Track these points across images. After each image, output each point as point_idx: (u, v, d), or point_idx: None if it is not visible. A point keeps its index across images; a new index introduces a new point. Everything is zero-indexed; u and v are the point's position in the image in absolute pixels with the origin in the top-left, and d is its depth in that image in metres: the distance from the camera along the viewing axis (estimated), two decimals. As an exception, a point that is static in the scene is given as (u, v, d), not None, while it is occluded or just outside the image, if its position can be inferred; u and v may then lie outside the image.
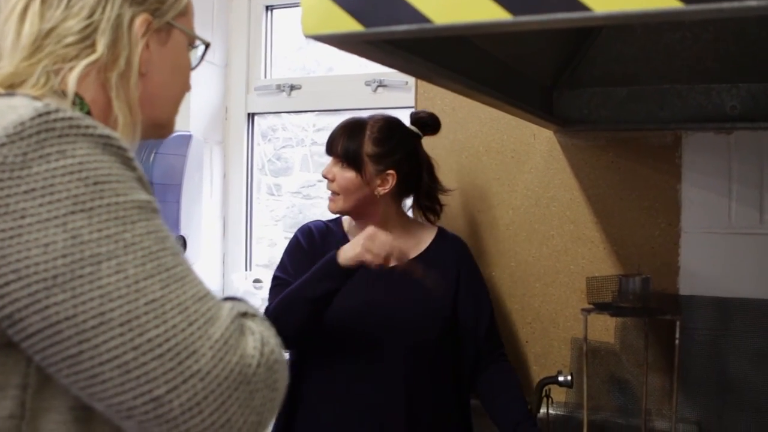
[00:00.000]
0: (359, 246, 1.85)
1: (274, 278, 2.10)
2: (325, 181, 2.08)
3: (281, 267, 2.11)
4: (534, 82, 2.09)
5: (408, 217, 2.20)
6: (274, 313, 1.91)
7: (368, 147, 2.02)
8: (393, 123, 2.09)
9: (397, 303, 2.02)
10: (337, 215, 2.17)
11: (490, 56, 1.66)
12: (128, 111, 0.97)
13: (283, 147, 3.15)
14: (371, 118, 2.08)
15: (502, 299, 2.41)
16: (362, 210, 2.06)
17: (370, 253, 1.84)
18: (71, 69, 0.95)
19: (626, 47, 2.11)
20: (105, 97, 0.97)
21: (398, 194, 2.10)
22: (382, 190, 2.04)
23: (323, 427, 2.01)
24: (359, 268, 1.86)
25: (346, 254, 1.86)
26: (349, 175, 2.02)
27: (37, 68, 0.94)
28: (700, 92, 2.12)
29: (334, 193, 2.05)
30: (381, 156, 2.02)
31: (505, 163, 2.43)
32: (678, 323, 1.76)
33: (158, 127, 1.09)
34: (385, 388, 1.98)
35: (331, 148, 2.06)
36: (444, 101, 2.46)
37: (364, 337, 2.00)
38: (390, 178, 2.03)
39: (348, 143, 2.03)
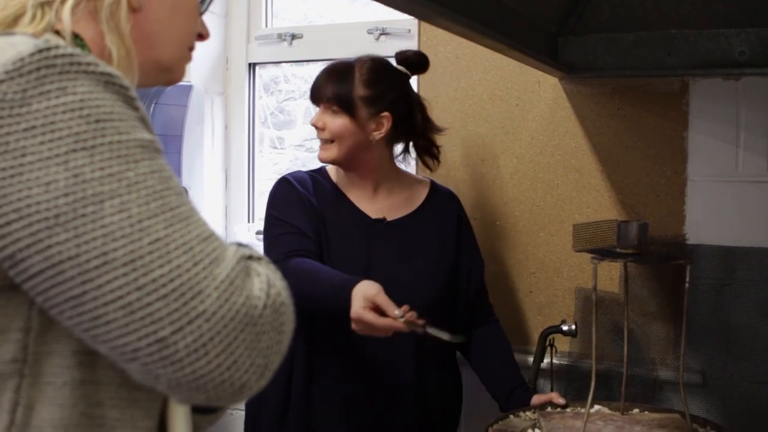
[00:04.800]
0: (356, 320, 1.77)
1: (274, 221, 1.99)
2: None
3: (278, 209, 2.00)
4: (539, 28, 2.06)
5: (400, 168, 2.12)
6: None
7: (359, 89, 1.94)
8: (382, 63, 2.01)
9: (399, 262, 1.98)
10: (322, 165, 2.10)
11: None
12: (121, 43, 0.94)
13: (286, 100, 3.13)
14: (357, 60, 1.99)
15: (505, 249, 2.40)
16: (356, 158, 1.98)
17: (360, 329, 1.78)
18: (63, 2, 0.92)
19: (633, -9, 2.07)
20: (97, 32, 0.94)
21: (392, 139, 2.03)
22: (377, 135, 1.96)
23: (332, 388, 1.97)
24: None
25: (354, 304, 1.76)
26: (341, 121, 1.94)
27: (27, 2, 0.91)
28: (708, 37, 2.08)
29: (326, 141, 1.97)
30: (374, 98, 1.94)
31: (510, 111, 2.40)
32: (688, 268, 1.73)
33: (163, 71, 1.05)
34: (394, 349, 1.92)
35: (319, 96, 1.98)
36: (447, 48, 2.42)
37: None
38: (385, 121, 1.96)
39: (337, 87, 1.94)
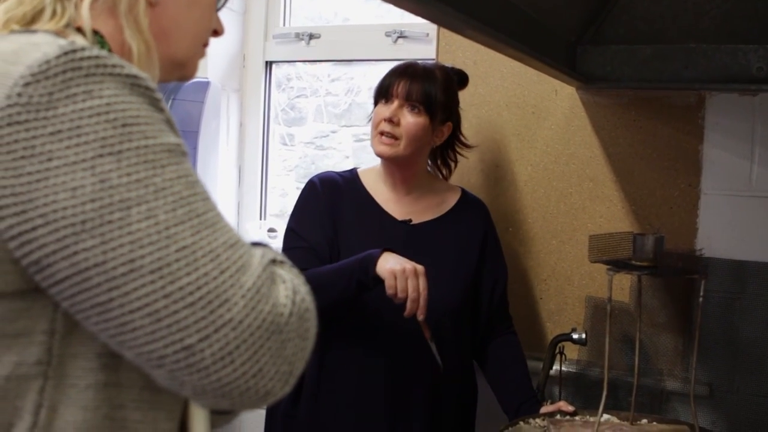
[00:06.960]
0: (398, 268, 1.76)
1: (290, 233, 2.01)
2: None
3: (296, 220, 2.02)
4: (558, 37, 2.06)
5: (432, 174, 2.15)
6: None
7: (440, 94, 1.97)
8: (448, 72, 2.05)
9: (421, 264, 1.95)
10: (353, 167, 2.13)
11: (516, 8, 1.64)
12: (141, 38, 0.93)
13: (298, 97, 3.13)
14: (431, 65, 2.03)
15: (517, 255, 2.40)
16: (413, 159, 2.00)
17: (397, 281, 1.76)
18: None
19: (653, 5, 2.07)
20: (117, 27, 0.93)
21: (437, 147, 2.08)
22: (438, 141, 2.02)
23: (346, 390, 1.97)
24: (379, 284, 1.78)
25: (384, 263, 1.77)
26: (421, 121, 1.95)
27: None
28: (726, 52, 2.08)
29: (392, 136, 1.95)
30: (446, 105, 1.99)
31: (526, 119, 2.40)
32: (703, 282, 1.74)
33: (177, 66, 1.03)
34: (411, 352, 1.93)
35: (401, 93, 1.95)
36: (466, 54, 2.42)
37: (388, 301, 1.87)
38: (446, 129, 2.02)
39: (427, 88, 1.95)
